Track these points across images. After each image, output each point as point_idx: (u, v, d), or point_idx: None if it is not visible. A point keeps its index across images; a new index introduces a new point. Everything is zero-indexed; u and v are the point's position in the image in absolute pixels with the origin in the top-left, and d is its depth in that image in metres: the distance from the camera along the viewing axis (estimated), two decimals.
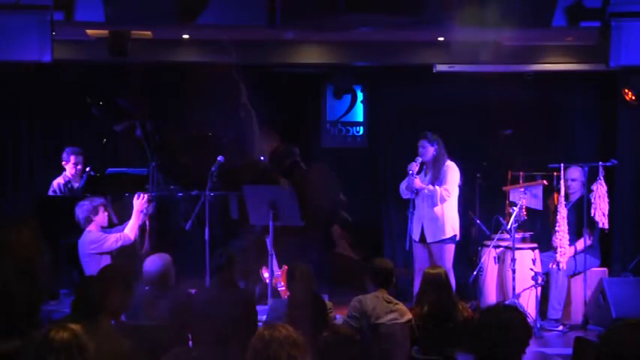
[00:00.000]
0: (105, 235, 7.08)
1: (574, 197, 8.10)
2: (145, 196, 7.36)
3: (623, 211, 9.23)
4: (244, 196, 7.44)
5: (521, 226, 7.95)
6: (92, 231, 7.08)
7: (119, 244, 7.05)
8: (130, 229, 7.18)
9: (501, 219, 7.90)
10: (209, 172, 7.42)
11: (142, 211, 7.30)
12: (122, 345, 3.97)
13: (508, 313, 3.11)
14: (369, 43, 9.07)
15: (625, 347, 2.79)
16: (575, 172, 8.08)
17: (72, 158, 8.49)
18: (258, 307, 5.84)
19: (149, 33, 8.41)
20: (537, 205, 8.12)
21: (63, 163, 8.53)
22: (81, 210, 7.11)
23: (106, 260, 6.97)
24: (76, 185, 8.51)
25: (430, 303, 5.60)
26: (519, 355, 3.09)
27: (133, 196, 8.02)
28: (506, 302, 7.57)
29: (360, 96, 10.38)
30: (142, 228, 7.53)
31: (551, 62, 9.27)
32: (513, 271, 7.52)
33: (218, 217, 7.87)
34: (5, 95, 9.50)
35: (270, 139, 8.86)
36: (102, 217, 7.14)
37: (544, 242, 8.33)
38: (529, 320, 7.34)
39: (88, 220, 7.08)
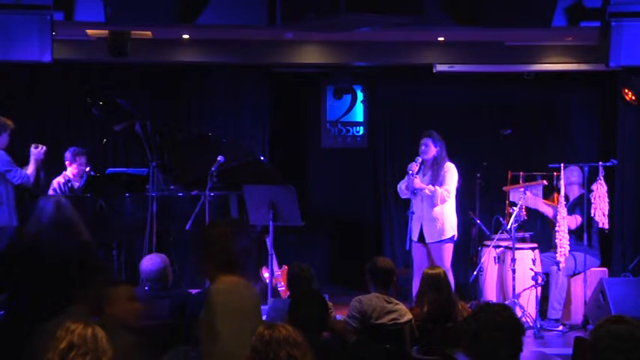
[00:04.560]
0: (15, 167, 7.66)
1: (572, 197, 8.11)
2: (44, 148, 7.85)
3: (623, 211, 9.23)
4: (244, 196, 7.44)
5: (521, 226, 7.96)
6: (2, 152, 7.64)
7: (20, 181, 7.64)
8: (31, 175, 7.70)
9: (501, 219, 7.90)
10: (209, 172, 7.42)
11: (38, 159, 7.79)
12: (128, 340, 3.98)
13: (499, 312, 3.11)
14: (369, 43, 9.07)
15: (614, 345, 2.84)
16: (573, 176, 8.07)
17: (78, 159, 8.51)
18: None
19: (149, 33, 8.41)
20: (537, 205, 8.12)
21: (66, 162, 8.53)
22: None
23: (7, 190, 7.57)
24: (76, 185, 8.52)
25: (430, 303, 5.59)
26: (517, 355, 3.09)
27: (133, 196, 8.07)
28: (507, 302, 7.58)
29: (360, 96, 10.38)
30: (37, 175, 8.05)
31: (551, 62, 9.27)
32: (513, 271, 7.52)
33: (218, 217, 7.86)
34: (5, 95, 9.50)
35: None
36: (6, 138, 7.68)
37: (544, 242, 8.34)
38: (529, 320, 7.37)
39: None
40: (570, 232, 7.77)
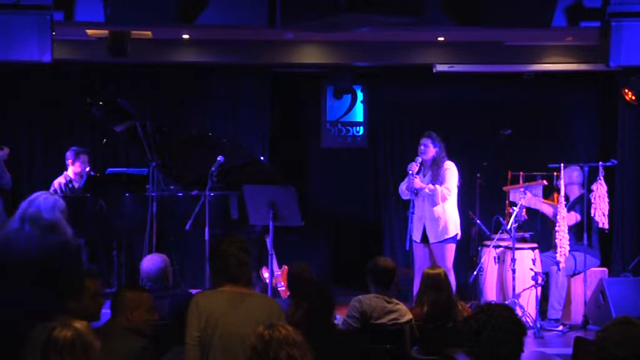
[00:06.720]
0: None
1: (572, 197, 8.11)
2: (8, 150, 8.35)
3: (623, 211, 9.23)
4: (244, 196, 7.44)
5: (521, 226, 7.95)
6: None
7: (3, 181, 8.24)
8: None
9: (501, 219, 7.90)
10: (209, 172, 7.42)
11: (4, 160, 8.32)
12: (137, 343, 3.99)
13: (500, 312, 3.12)
14: (369, 43, 9.07)
15: (620, 346, 2.84)
16: (572, 176, 8.07)
17: (81, 157, 8.52)
18: None
19: (149, 33, 8.41)
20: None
21: (68, 162, 8.53)
22: None
23: None
24: (76, 185, 8.52)
25: (430, 303, 5.59)
26: (518, 355, 3.10)
27: (133, 196, 8.07)
28: (507, 302, 7.58)
29: (360, 96, 10.38)
30: None
31: (551, 62, 9.27)
32: (513, 271, 7.52)
33: (218, 217, 7.87)
34: (5, 95, 9.50)
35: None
36: None
37: (544, 242, 8.34)
38: (529, 320, 7.37)
39: None
40: (569, 231, 7.76)
